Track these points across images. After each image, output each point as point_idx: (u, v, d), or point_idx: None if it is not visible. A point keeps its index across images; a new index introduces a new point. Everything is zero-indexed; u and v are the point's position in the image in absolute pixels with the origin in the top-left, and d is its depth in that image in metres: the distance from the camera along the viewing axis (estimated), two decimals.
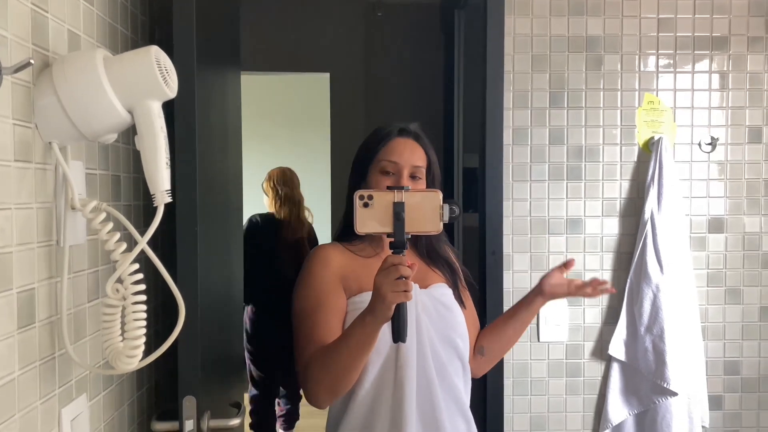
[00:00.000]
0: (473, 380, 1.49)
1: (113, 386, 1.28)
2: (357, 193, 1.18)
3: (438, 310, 1.41)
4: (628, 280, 1.98)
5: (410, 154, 1.40)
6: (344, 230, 1.46)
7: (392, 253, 1.16)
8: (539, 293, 1.46)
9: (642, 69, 2.02)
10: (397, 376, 1.32)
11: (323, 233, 3.92)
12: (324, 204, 4.14)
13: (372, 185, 1.39)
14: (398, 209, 1.16)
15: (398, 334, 1.16)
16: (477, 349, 1.52)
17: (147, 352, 1.03)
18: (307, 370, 1.31)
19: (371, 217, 1.17)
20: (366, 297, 1.24)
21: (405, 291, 1.13)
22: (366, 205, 1.17)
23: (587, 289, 1.42)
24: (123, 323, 1.02)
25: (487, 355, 1.53)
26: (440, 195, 1.19)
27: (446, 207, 1.19)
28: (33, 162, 0.93)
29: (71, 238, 1.02)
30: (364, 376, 1.32)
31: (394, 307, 1.14)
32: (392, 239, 1.17)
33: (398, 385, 1.32)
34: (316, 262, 1.41)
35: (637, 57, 2.01)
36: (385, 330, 1.23)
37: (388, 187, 1.20)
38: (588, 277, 2.00)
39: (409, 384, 1.32)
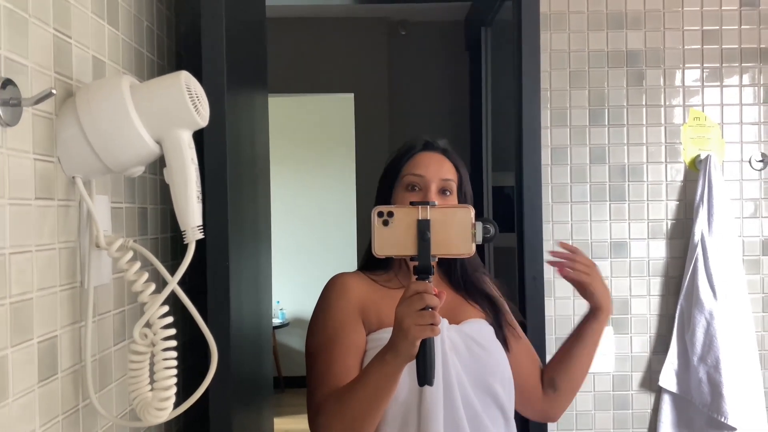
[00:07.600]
0: (551, 425, 1.31)
1: None
2: (375, 210, 1.01)
3: (471, 349, 1.22)
4: (678, 307, 1.87)
5: (438, 168, 1.25)
6: (368, 259, 1.29)
7: (416, 279, 1.00)
8: (592, 309, 1.32)
9: (686, 84, 1.92)
10: (420, 427, 1.14)
11: (349, 261, 3.81)
12: (350, 229, 4.06)
13: (397, 204, 1.23)
14: (423, 228, 0.99)
15: (424, 376, 0.99)
16: (547, 383, 1.33)
17: (177, 396, 0.95)
18: (318, 416, 1.15)
19: (392, 238, 1.00)
20: (388, 333, 1.09)
21: (431, 324, 0.98)
22: (386, 223, 1.00)
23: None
24: (151, 370, 0.94)
25: (561, 389, 1.32)
26: (472, 211, 1.02)
27: (479, 225, 1.02)
28: (55, 199, 0.87)
29: (96, 279, 0.95)
30: (382, 427, 1.15)
31: (418, 343, 0.99)
32: (416, 263, 1.00)
33: None
34: (333, 291, 1.25)
35: (680, 71, 1.92)
36: (406, 372, 1.08)
37: (412, 203, 1.03)
38: (636, 303, 1.91)
39: None
